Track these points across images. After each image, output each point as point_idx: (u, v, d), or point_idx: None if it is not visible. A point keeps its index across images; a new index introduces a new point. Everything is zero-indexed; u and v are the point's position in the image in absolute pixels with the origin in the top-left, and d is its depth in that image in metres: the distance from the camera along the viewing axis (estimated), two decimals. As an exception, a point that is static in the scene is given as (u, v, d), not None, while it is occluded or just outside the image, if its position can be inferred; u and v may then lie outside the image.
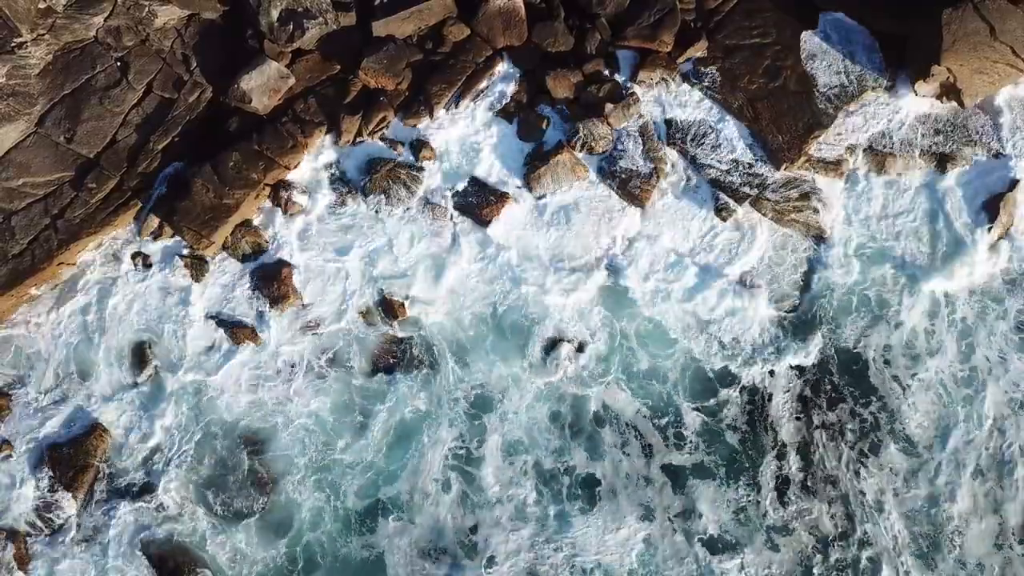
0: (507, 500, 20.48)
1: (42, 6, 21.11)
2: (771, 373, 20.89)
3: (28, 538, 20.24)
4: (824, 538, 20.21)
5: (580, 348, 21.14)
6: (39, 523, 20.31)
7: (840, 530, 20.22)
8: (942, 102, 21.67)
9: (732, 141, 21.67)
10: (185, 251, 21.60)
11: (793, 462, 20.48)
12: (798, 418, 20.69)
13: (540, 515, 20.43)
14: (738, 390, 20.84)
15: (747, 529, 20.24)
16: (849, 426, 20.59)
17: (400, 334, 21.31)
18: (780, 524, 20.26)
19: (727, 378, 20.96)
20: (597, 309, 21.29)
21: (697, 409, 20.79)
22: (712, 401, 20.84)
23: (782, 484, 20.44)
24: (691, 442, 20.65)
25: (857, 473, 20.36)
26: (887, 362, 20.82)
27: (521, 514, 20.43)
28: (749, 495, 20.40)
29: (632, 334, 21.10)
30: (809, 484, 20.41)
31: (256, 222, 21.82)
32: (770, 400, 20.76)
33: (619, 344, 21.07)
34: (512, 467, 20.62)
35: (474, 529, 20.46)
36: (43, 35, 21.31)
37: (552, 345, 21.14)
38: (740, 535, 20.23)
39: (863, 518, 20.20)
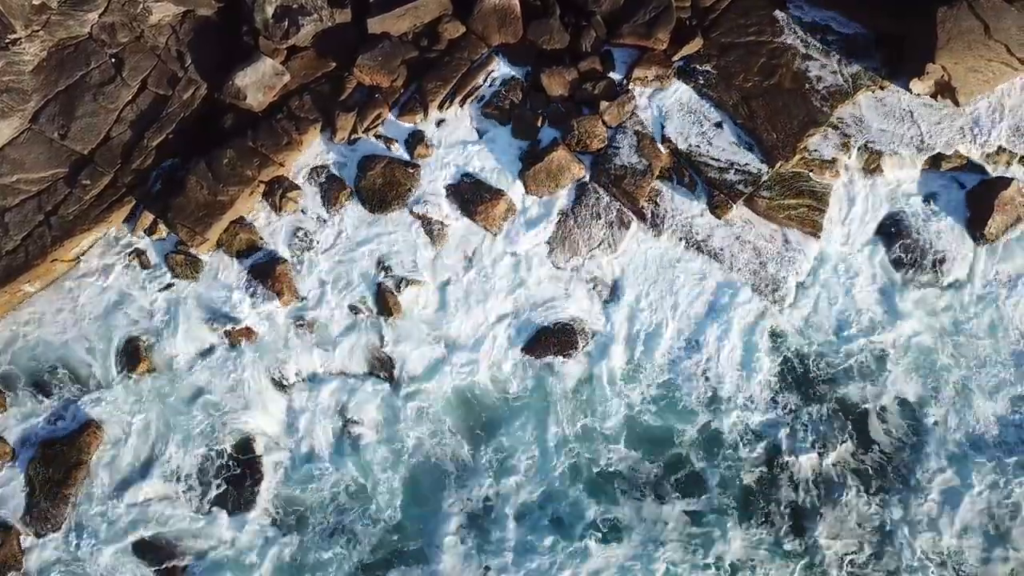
0: (524, 541, 20.12)
1: (36, 2, 21.09)
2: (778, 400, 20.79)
3: (21, 536, 20.16)
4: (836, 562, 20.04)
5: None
6: (33, 520, 20.23)
7: (851, 556, 20.02)
8: (937, 100, 21.72)
9: (727, 139, 21.69)
10: (179, 248, 21.56)
11: (806, 494, 20.27)
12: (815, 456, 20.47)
13: (558, 549, 20.08)
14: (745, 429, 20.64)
15: (764, 557, 20.01)
16: (861, 462, 20.41)
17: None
18: (796, 552, 19.99)
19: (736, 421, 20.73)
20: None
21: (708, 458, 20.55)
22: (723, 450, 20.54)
23: (796, 516, 20.17)
24: (709, 490, 20.36)
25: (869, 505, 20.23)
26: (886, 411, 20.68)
27: (539, 549, 20.10)
28: (765, 528, 20.13)
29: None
30: (823, 514, 20.15)
31: (251, 219, 21.79)
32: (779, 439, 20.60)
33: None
34: (530, 515, 20.28)
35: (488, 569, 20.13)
36: (37, 31, 21.29)
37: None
38: (758, 562, 19.99)
39: (874, 546, 20.03)
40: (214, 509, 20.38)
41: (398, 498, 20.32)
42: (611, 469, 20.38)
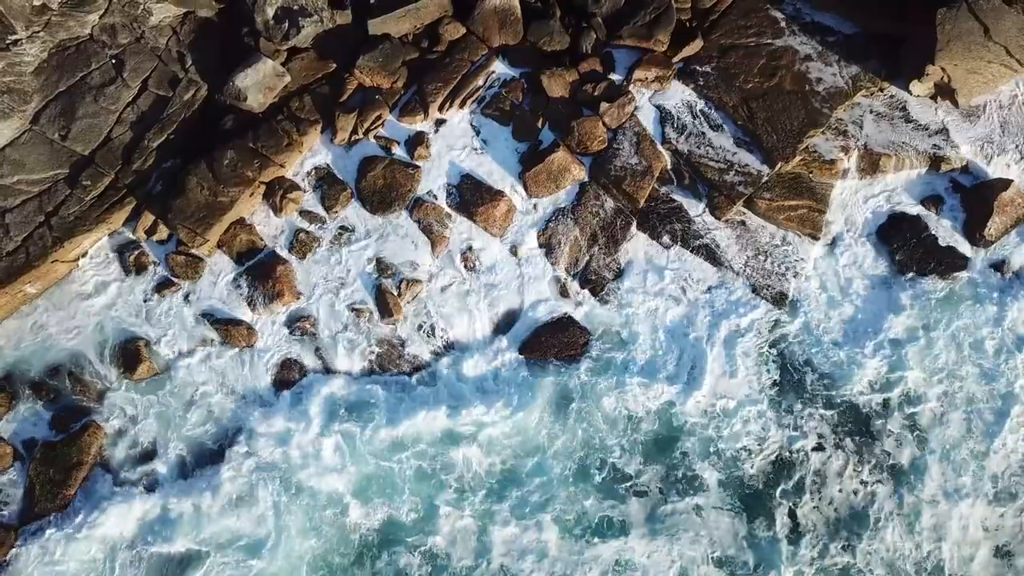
0: (533, 539, 20.19)
1: (37, 3, 21.10)
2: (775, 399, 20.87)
3: (22, 536, 20.17)
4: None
5: None
6: (34, 520, 20.24)
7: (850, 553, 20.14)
8: (936, 102, 21.76)
9: (727, 140, 21.72)
10: (180, 249, 21.57)
11: (807, 492, 20.37)
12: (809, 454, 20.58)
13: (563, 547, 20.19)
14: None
15: (770, 557, 20.11)
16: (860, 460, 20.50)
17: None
18: (800, 553, 20.09)
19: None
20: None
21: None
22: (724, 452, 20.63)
23: (797, 516, 20.27)
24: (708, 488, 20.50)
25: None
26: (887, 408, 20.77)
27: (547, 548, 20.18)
28: (766, 529, 20.23)
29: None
30: (824, 511, 20.29)
31: (251, 220, 21.81)
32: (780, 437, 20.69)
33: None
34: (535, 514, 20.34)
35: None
36: (38, 32, 21.30)
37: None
38: (766, 562, 20.08)
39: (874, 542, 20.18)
40: (215, 506, 20.39)
41: (400, 495, 20.32)
42: (615, 472, 20.43)
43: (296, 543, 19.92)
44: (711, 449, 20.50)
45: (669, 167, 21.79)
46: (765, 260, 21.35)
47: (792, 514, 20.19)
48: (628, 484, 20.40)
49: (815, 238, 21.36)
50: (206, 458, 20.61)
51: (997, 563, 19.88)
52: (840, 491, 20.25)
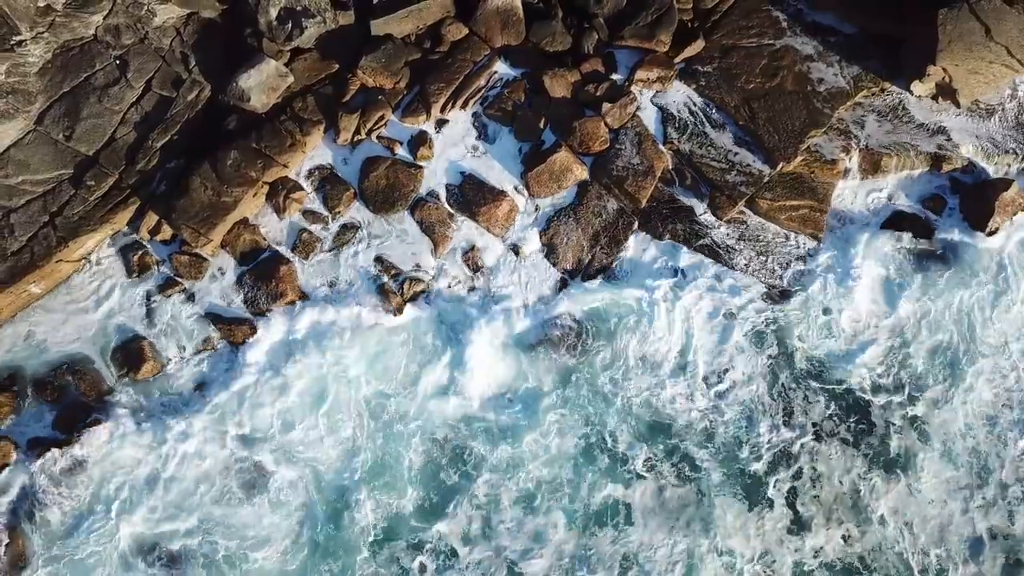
0: (542, 526, 20.41)
1: (41, 4, 21.15)
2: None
3: (27, 535, 20.25)
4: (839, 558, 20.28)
5: None
6: (39, 519, 20.34)
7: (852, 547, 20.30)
8: (937, 102, 21.81)
9: (728, 140, 21.78)
10: (184, 249, 21.64)
11: (805, 483, 20.55)
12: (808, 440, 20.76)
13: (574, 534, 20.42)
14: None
15: (772, 547, 20.28)
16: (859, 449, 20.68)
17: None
18: (803, 546, 20.30)
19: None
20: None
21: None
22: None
23: (796, 505, 20.47)
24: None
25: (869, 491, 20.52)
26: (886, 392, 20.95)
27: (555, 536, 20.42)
28: (767, 514, 20.42)
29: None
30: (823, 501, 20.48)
31: (254, 220, 21.89)
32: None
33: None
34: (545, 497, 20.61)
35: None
36: (42, 33, 21.37)
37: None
38: (769, 552, 20.24)
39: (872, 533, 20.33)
40: (216, 495, 20.52)
41: (406, 488, 20.56)
42: (614, 453, 20.68)
43: (292, 517, 20.37)
44: (706, 435, 20.71)
45: (671, 167, 21.85)
46: (767, 259, 21.41)
47: (791, 504, 20.33)
48: (626, 467, 20.60)
49: (816, 238, 21.43)
50: (207, 454, 20.69)
51: (1000, 560, 19.97)
52: (841, 482, 20.40)
